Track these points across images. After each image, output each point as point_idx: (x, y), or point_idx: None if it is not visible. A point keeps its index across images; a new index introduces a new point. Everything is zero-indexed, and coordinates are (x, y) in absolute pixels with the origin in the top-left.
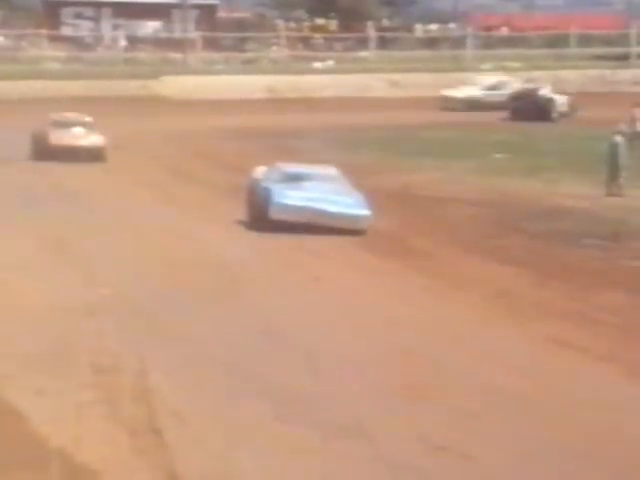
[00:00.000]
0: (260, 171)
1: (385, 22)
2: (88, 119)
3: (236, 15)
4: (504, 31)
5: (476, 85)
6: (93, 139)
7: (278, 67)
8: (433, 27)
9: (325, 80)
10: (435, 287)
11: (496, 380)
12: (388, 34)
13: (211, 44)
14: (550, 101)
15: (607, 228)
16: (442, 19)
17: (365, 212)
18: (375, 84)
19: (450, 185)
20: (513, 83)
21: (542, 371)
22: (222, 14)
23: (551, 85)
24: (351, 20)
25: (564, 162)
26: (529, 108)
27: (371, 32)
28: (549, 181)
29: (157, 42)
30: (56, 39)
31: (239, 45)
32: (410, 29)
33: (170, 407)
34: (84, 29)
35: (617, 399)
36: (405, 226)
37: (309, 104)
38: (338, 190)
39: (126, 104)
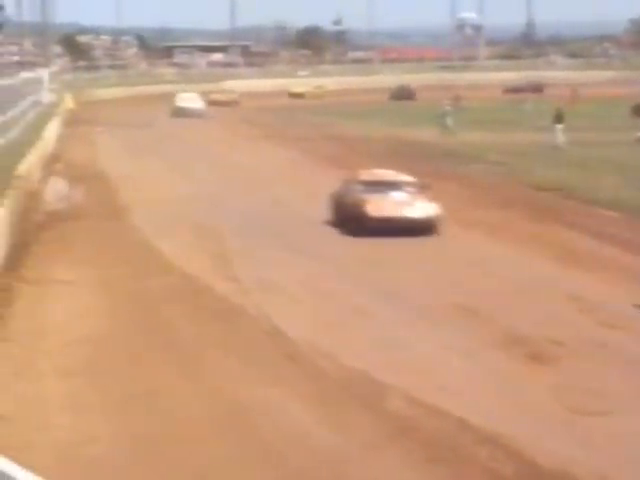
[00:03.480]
0: None
1: (334, 51)
2: (408, 178)
3: (260, 49)
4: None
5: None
6: (422, 207)
7: (281, 74)
8: (359, 53)
9: (304, 81)
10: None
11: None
12: (335, 57)
13: (248, 64)
14: (413, 90)
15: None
16: (363, 49)
17: None
18: (329, 82)
19: (364, 131)
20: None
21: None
22: (253, 50)
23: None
24: (317, 51)
25: (420, 120)
26: (403, 94)
27: (327, 56)
28: (414, 129)
29: (221, 64)
30: (171, 64)
31: (263, 64)
32: (346, 54)
33: (228, 239)
34: (184, 59)
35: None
36: (347, 151)
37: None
38: None
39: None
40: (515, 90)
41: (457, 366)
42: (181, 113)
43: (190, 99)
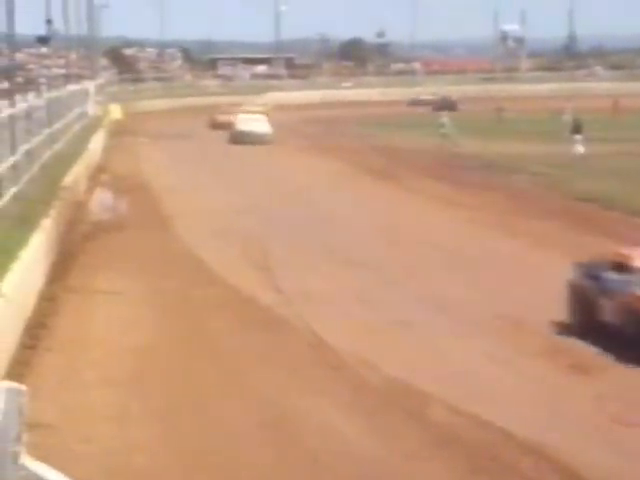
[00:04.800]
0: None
1: (377, 62)
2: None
3: (304, 61)
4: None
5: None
6: None
7: (325, 86)
8: (400, 65)
9: (348, 92)
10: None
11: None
12: (378, 69)
13: (291, 76)
14: (454, 101)
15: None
16: (405, 61)
17: None
18: (372, 94)
19: (405, 141)
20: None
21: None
22: (297, 62)
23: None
24: (360, 63)
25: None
26: (445, 105)
27: (370, 68)
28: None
29: (264, 76)
30: (215, 76)
31: (306, 76)
32: (388, 66)
33: (270, 250)
34: (228, 71)
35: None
36: (390, 162)
37: (342, 104)
38: None
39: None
40: (415, 103)
41: (498, 375)
42: (242, 139)
43: (254, 121)
